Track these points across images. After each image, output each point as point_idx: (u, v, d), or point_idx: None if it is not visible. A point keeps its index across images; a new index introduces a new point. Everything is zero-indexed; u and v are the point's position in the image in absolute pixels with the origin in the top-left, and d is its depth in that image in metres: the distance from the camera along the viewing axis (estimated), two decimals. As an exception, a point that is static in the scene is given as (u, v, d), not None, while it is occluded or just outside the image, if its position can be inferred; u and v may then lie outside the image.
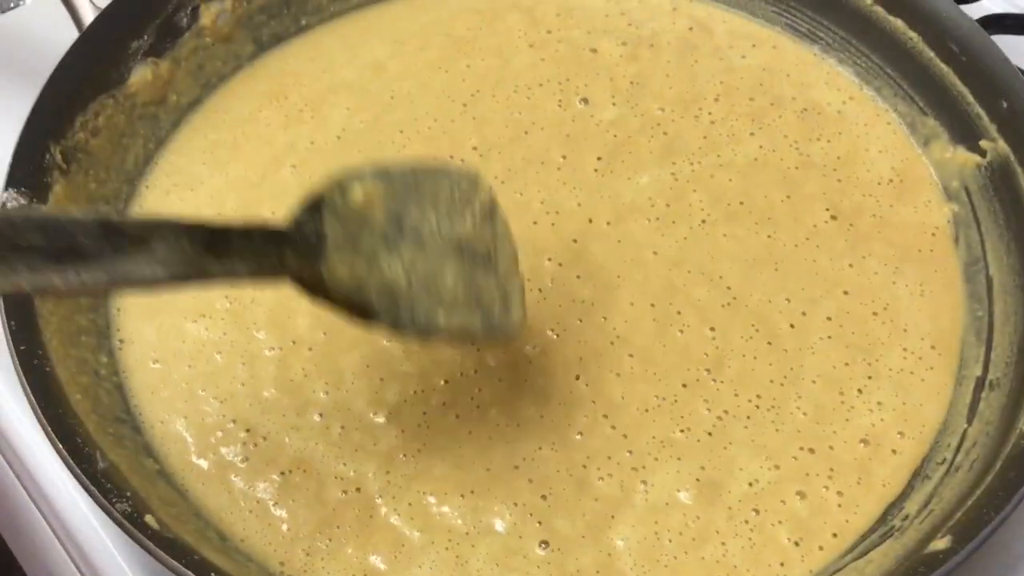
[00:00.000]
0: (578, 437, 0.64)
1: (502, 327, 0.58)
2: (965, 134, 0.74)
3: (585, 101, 0.79)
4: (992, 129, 0.72)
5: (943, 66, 0.75)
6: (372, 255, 0.53)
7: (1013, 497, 0.56)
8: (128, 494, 0.56)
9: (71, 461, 0.55)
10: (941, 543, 0.56)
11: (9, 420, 0.69)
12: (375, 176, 0.55)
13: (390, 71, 0.81)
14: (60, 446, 0.55)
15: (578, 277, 0.70)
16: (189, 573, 0.52)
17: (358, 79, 0.80)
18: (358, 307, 0.53)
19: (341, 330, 0.67)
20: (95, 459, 0.57)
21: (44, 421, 0.56)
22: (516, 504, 0.62)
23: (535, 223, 0.73)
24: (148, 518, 0.55)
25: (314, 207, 0.53)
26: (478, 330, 0.56)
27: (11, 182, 0.65)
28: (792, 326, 0.69)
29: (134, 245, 0.47)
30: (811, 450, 0.64)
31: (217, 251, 0.50)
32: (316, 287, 0.53)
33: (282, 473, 0.63)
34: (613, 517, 0.62)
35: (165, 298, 0.69)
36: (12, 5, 0.92)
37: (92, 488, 0.54)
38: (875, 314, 0.70)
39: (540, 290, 0.69)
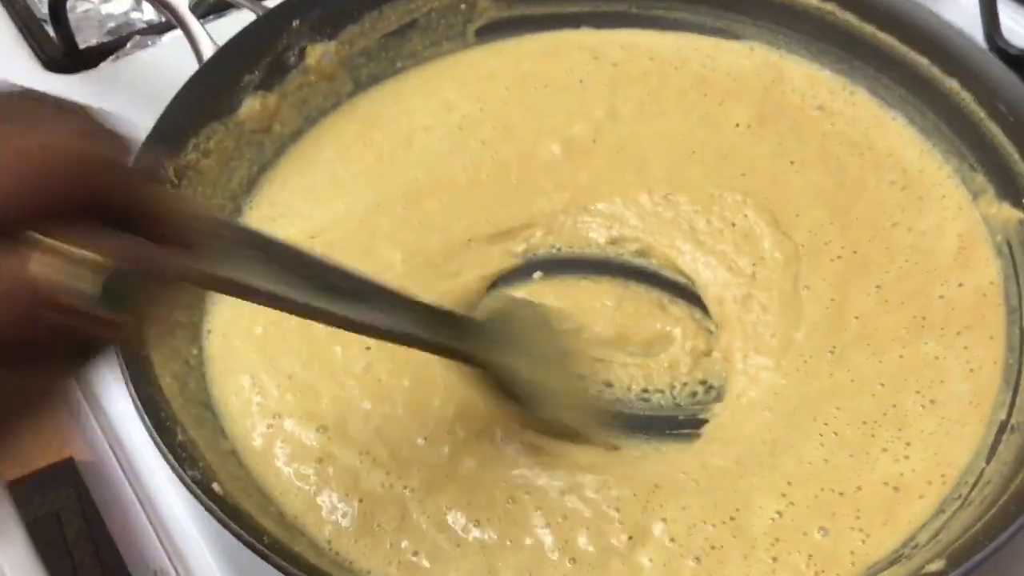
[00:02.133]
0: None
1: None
2: (1009, 190, 0.77)
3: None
4: (1035, 186, 0.75)
5: (992, 125, 0.78)
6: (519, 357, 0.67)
7: (1009, 527, 0.58)
8: (200, 464, 0.64)
9: (154, 432, 0.63)
10: (934, 566, 0.59)
11: (111, 402, 0.78)
12: (525, 304, 0.72)
13: (474, 110, 0.88)
14: (146, 418, 0.63)
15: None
16: (245, 535, 0.59)
17: (442, 119, 0.87)
18: (510, 390, 0.67)
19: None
20: (175, 432, 0.65)
21: (135, 396, 0.64)
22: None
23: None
24: (215, 486, 0.62)
25: (496, 313, 0.69)
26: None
27: (127, 192, 0.74)
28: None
29: (373, 301, 0.58)
30: (840, 493, 0.66)
31: (447, 329, 0.63)
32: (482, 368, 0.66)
33: (344, 470, 0.68)
34: (638, 542, 0.65)
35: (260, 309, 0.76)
36: (150, 43, 1.03)
37: (169, 456, 0.62)
38: (918, 392, 0.70)
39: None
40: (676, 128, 0.85)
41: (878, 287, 0.76)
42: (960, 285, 0.76)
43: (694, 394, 0.73)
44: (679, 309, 0.77)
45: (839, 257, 0.77)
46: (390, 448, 0.69)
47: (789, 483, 0.67)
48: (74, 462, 1.26)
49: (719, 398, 0.72)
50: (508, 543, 0.65)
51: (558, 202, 0.82)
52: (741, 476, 0.68)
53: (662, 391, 0.73)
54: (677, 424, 0.72)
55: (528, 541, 0.65)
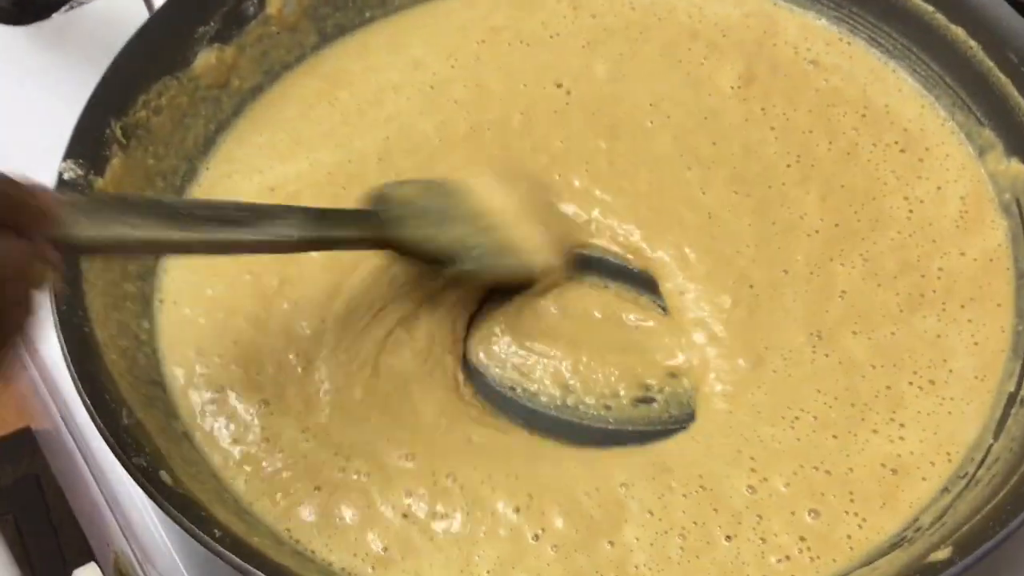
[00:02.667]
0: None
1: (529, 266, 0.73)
2: (1020, 146, 0.72)
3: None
4: (1047, 141, 0.70)
5: (1002, 76, 0.73)
6: (432, 224, 0.70)
7: (1020, 514, 0.54)
8: (148, 450, 0.59)
9: (96, 416, 0.58)
10: (942, 554, 0.55)
11: (61, 375, 0.72)
12: (410, 182, 0.73)
13: (444, 67, 0.82)
14: (87, 400, 0.59)
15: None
16: (192, 527, 0.55)
17: (411, 77, 0.81)
18: (432, 258, 0.69)
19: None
20: (121, 416, 0.60)
21: (75, 376, 0.60)
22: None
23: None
24: (162, 474, 0.58)
25: (379, 198, 0.69)
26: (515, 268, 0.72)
27: (70, 154, 0.68)
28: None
29: (274, 216, 0.62)
30: (827, 472, 0.63)
31: (333, 223, 0.65)
32: (398, 249, 0.69)
33: (291, 449, 0.64)
34: (620, 521, 0.61)
35: (214, 269, 0.71)
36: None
37: (112, 441, 0.58)
38: (915, 372, 0.66)
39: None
40: (654, 89, 0.79)
41: (865, 260, 0.70)
42: (962, 254, 0.71)
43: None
44: (657, 310, 0.72)
45: (816, 232, 0.72)
46: (329, 424, 0.65)
47: (752, 458, 0.63)
48: (32, 431, 1.22)
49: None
50: (482, 534, 0.61)
51: (536, 165, 0.76)
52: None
53: (654, 398, 0.69)
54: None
55: (502, 532, 0.61)
